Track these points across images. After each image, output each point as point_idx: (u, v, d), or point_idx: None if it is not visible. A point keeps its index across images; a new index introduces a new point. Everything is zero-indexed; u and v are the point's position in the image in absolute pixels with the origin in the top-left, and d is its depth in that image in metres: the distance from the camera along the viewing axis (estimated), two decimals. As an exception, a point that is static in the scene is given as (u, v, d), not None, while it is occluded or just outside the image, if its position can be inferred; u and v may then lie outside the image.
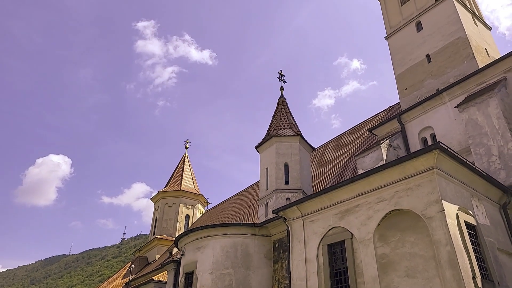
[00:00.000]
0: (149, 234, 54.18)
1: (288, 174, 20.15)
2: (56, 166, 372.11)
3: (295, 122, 22.59)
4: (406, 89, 22.02)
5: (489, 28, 23.39)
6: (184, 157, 53.22)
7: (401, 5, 24.78)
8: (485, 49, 20.84)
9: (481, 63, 18.93)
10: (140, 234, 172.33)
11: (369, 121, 27.21)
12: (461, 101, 16.82)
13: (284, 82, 24.72)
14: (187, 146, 54.37)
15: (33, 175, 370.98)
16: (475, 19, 22.49)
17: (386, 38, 24.69)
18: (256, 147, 22.16)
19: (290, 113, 23.13)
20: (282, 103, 23.57)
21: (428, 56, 21.45)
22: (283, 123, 22.05)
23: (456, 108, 16.70)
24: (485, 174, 12.15)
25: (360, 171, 17.97)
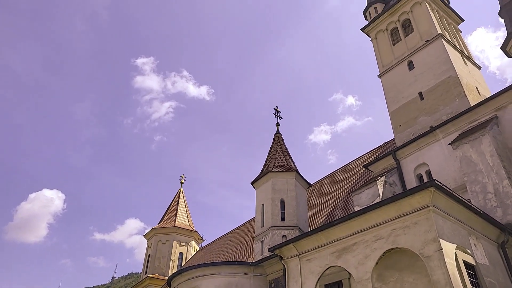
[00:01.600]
0: (141, 272, 52.54)
1: (284, 210, 19.94)
2: (49, 201, 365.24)
3: (291, 157, 22.66)
4: (400, 125, 22.31)
5: (479, 68, 24.09)
6: (179, 192, 52.69)
7: (393, 45, 25.63)
8: (476, 87, 21.36)
9: (473, 101, 19.34)
10: (132, 273, 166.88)
11: (365, 157, 27.31)
12: (454, 138, 17.00)
13: (280, 118, 25.08)
14: (183, 181, 53.99)
15: (25, 211, 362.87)
16: (465, 59, 23.21)
17: (379, 76, 25.31)
18: (252, 183, 22.06)
19: (286, 148, 23.26)
20: (278, 138, 23.75)
21: (420, 94, 21.92)
22: (279, 159, 22.11)
23: (450, 145, 16.86)
24: (481, 212, 12.07)
25: (356, 208, 17.81)
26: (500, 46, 19.77)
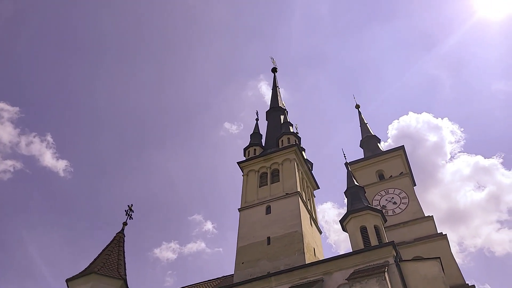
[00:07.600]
0: None
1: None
2: None
3: (124, 264, 20.42)
4: (242, 263, 22.64)
5: (320, 232, 27.13)
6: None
7: (259, 187, 27.76)
8: (314, 248, 23.62)
9: (308, 260, 21.10)
10: None
11: (201, 286, 26.24)
12: (285, 290, 17.69)
13: (131, 217, 23.25)
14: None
15: None
16: (312, 221, 26.09)
17: (239, 210, 26.46)
18: (68, 280, 18.76)
19: (124, 253, 21.03)
20: (119, 238, 21.49)
21: (269, 238, 23.22)
22: (111, 261, 19.66)
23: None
24: None
25: None
26: (340, 219, 22.84)
